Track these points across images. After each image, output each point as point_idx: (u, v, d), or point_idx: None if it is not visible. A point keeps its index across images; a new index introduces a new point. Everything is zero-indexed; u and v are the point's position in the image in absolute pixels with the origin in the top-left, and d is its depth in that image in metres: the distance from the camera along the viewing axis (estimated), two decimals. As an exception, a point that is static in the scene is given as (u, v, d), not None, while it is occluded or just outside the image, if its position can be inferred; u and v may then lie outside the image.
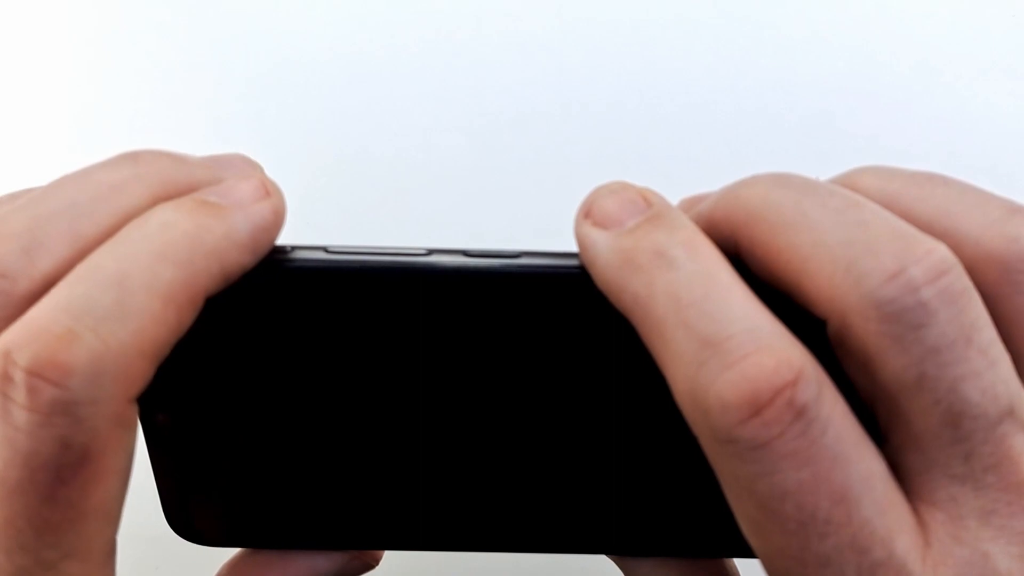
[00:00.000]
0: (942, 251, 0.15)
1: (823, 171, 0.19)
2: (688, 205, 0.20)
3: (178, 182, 0.18)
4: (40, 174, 0.19)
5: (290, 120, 0.39)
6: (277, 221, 0.18)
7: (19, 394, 0.15)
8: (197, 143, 0.39)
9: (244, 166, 0.19)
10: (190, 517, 0.22)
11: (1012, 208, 0.16)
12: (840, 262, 0.15)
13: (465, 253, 0.19)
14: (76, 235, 0.16)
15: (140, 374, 0.16)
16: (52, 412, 0.15)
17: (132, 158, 0.17)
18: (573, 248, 0.18)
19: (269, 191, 0.18)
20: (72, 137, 0.40)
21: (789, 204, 0.16)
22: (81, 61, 0.40)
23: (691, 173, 0.37)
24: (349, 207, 0.37)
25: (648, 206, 0.17)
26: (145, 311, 0.15)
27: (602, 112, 0.38)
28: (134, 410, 0.16)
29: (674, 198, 0.20)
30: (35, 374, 0.15)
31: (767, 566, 0.16)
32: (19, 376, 0.15)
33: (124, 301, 0.15)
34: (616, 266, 0.17)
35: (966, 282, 0.15)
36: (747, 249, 0.17)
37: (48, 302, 0.15)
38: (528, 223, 0.36)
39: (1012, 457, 0.15)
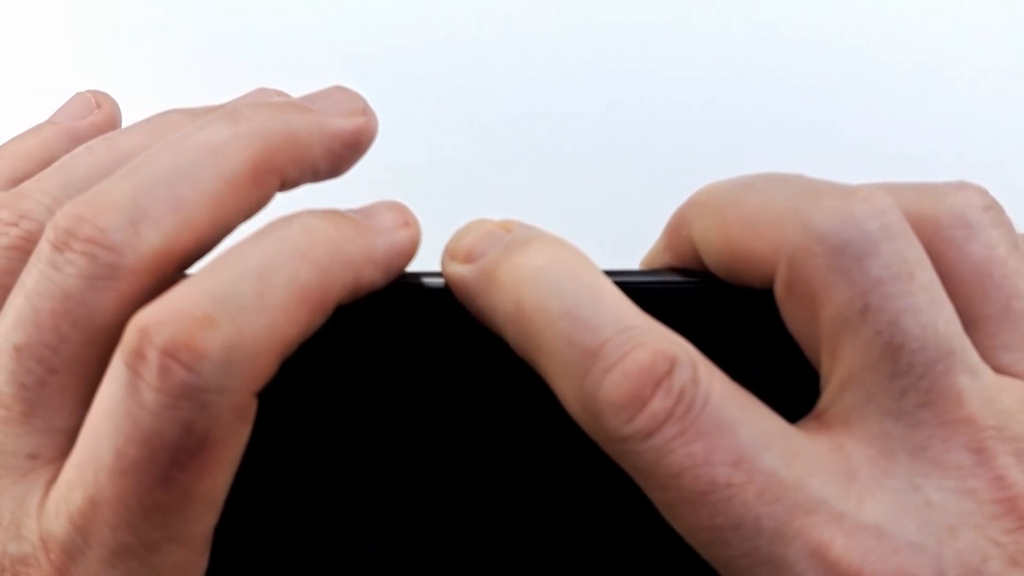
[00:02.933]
0: (883, 195, 0.16)
1: (823, 171, 0.19)
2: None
3: (278, 135, 0.17)
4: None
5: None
6: (412, 250, 0.18)
7: (150, 373, 0.15)
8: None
9: (342, 97, 0.19)
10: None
11: (930, 182, 0.17)
12: (787, 210, 0.16)
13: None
14: (179, 202, 0.16)
15: (267, 369, 0.16)
16: (180, 395, 0.15)
17: (230, 116, 0.17)
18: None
19: (409, 222, 0.18)
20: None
21: (738, 185, 0.17)
22: (82, 59, 0.40)
23: (691, 173, 0.37)
24: (348, 206, 0.37)
25: (507, 233, 0.17)
26: (281, 307, 0.15)
27: (602, 113, 0.38)
28: (255, 405, 0.16)
29: (675, 198, 0.20)
30: (169, 355, 0.14)
31: (696, 546, 0.16)
32: (153, 355, 0.15)
33: (264, 294, 0.15)
34: (482, 290, 0.17)
35: (906, 225, 0.16)
36: (703, 238, 0.17)
37: (191, 285, 0.15)
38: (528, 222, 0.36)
39: (950, 395, 0.15)
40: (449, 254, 0.18)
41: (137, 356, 0.15)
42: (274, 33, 0.39)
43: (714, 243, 0.17)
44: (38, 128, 0.21)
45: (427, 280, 0.19)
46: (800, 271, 0.16)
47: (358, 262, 0.17)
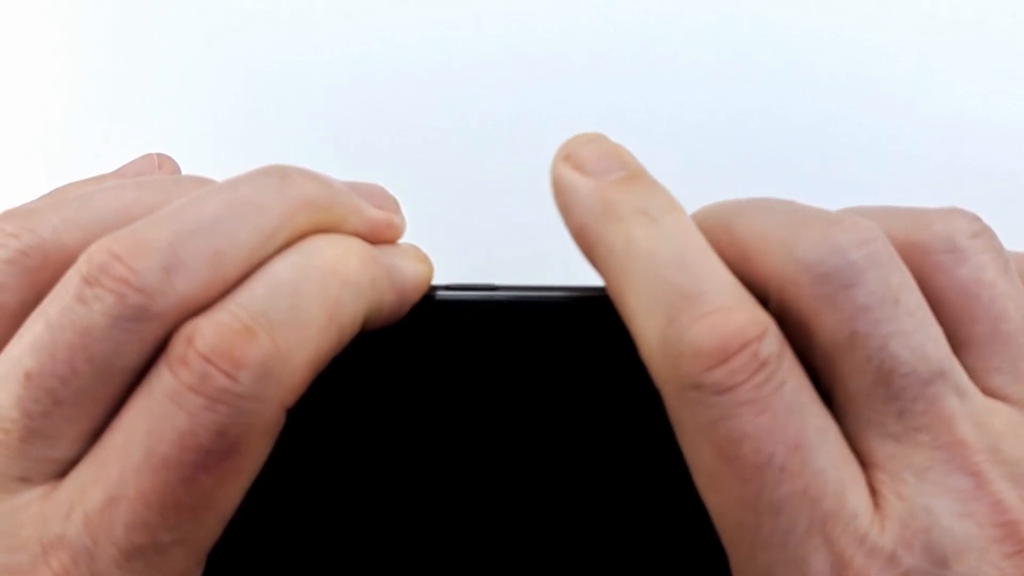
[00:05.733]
0: (868, 223, 0.16)
1: (823, 172, 0.19)
2: None
3: (322, 207, 0.18)
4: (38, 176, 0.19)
5: (290, 117, 0.39)
6: (427, 283, 0.19)
7: (191, 377, 0.15)
8: (197, 139, 0.39)
9: (382, 198, 0.20)
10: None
11: (921, 208, 0.18)
12: (774, 240, 0.16)
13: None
14: (216, 255, 0.16)
15: (300, 382, 0.16)
16: (218, 399, 0.15)
17: (280, 176, 0.17)
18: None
19: (424, 259, 0.19)
20: (71, 139, 0.40)
21: (730, 210, 0.18)
22: (83, 57, 0.40)
23: (691, 173, 0.37)
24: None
25: (624, 165, 0.18)
26: (314, 322, 0.16)
27: (602, 113, 0.38)
28: (283, 420, 0.16)
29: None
30: (210, 361, 0.15)
31: (721, 523, 0.16)
32: (196, 361, 0.15)
33: (297, 308, 0.16)
34: (596, 214, 0.17)
35: (892, 251, 0.16)
36: None
37: (231, 300, 0.16)
38: (528, 223, 0.36)
39: (944, 417, 0.16)
40: (565, 156, 0.18)
41: (181, 362, 0.15)
42: (274, 30, 0.39)
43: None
44: (99, 179, 0.21)
45: (440, 293, 0.20)
46: (789, 301, 0.16)
47: (383, 287, 0.18)
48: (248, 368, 0.15)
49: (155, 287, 0.16)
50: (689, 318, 0.15)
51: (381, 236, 0.19)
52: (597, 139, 0.19)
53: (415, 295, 0.19)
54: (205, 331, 0.15)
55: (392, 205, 0.20)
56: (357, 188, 0.19)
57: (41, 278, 0.17)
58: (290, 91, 0.39)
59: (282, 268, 0.16)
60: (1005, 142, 0.38)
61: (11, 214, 0.18)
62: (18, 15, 0.40)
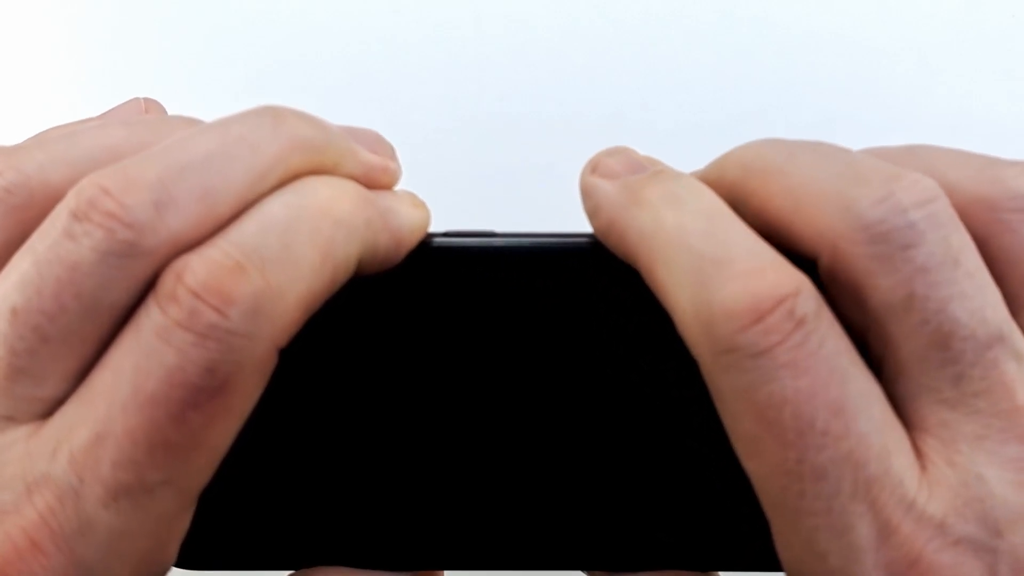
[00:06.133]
0: (929, 182, 0.16)
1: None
2: None
3: (316, 148, 0.17)
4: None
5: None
6: (423, 229, 0.19)
7: (180, 313, 0.15)
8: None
9: (378, 144, 0.20)
10: (192, 535, 0.21)
11: (992, 158, 0.17)
12: (831, 193, 0.16)
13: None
14: (207, 193, 0.16)
15: (292, 322, 0.16)
16: (207, 336, 0.15)
17: (273, 116, 0.17)
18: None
19: (420, 204, 0.19)
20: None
21: (782, 153, 0.17)
22: (83, 57, 0.40)
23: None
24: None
25: (652, 165, 0.18)
26: (306, 261, 0.16)
27: (602, 112, 0.38)
28: (275, 361, 0.16)
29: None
30: (200, 297, 0.15)
31: (763, 490, 0.16)
32: (185, 296, 0.15)
33: (289, 247, 0.16)
34: (623, 205, 0.17)
35: (952, 212, 0.16)
36: (743, 201, 0.17)
37: (222, 238, 0.16)
38: (529, 223, 0.36)
39: (1004, 383, 0.15)
40: (592, 167, 0.19)
41: (170, 298, 0.15)
42: (275, 23, 0.39)
43: (754, 210, 0.17)
44: (84, 122, 0.21)
45: (437, 240, 0.20)
46: (844, 260, 0.16)
47: (377, 226, 0.17)
48: (238, 304, 0.15)
49: (145, 223, 0.15)
50: (719, 281, 0.15)
51: (377, 181, 0.19)
52: (624, 151, 0.19)
53: (411, 239, 0.19)
54: (195, 267, 0.15)
55: (388, 151, 0.20)
56: (353, 132, 0.19)
57: (26, 216, 0.17)
58: (290, 91, 0.39)
59: (274, 207, 0.16)
60: (1005, 142, 0.38)
61: None
62: (18, 15, 0.40)
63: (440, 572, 0.22)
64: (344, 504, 0.21)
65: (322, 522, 0.21)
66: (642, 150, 0.19)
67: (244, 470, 0.20)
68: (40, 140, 0.18)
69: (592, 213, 0.18)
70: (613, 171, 0.18)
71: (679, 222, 0.16)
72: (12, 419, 0.16)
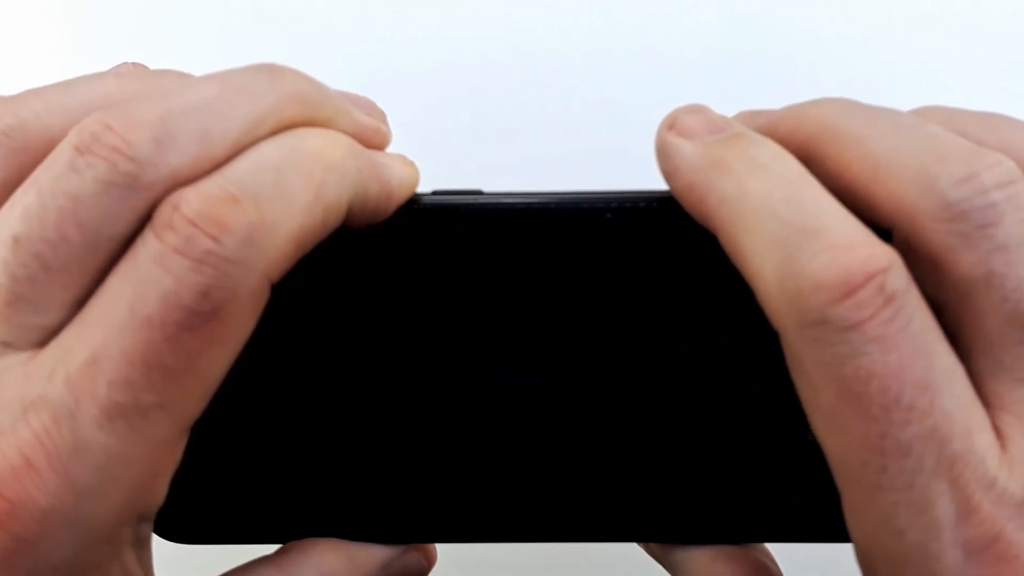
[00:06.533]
0: (1010, 164, 0.16)
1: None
2: (747, 118, 0.20)
3: (311, 102, 0.18)
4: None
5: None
6: (413, 185, 0.20)
7: (176, 240, 0.16)
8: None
9: (371, 109, 0.20)
10: (179, 508, 0.20)
11: None
12: (911, 168, 0.16)
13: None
14: (205, 134, 0.16)
15: (284, 256, 0.16)
16: (203, 261, 0.15)
17: (271, 71, 0.18)
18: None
19: (410, 164, 0.20)
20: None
21: (861, 119, 0.17)
22: (83, 56, 0.40)
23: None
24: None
25: (728, 128, 0.18)
26: (299, 198, 0.16)
27: (602, 112, 0.38)
28: (267, 295, 0.17)
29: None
30: (196, 225, 0.15)
31: (841, 464, 0.16)
32: (181, 225, 0.16)
33: (282, 184, 0.16)
34: (704, 168, 0.17)
35: None
36: (817, 162, 0.17)
37: (217, 174, 0.16)
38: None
39: None
40: (670, 124, 0.18)
41: (166, 226, 0.16)
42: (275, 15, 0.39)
43: (828, 172, 0.17)
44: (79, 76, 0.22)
45: (426, 198, 0.20)
46: (922, 234, 0.16)
47: (367, 175, 0.18)
48: (233, 233, 0.16)
49: (146, 157, 0.16)
50: (809, 252, 0.15)
51: (369, 141, 0.19)
52: (701, 109, 0.19)
53: (400, 193, 0.19)
54: (191, 199, 0.16)
55: (380, 116, 0.20)
56: (348, 96, 0.20)
57: (23, 159, 0.17)
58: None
59: (269, 148, 0.17)
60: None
61: None
62: (18, 15, 0.40)
63: (432, 546, 0.22)
64: (335, 473, 0.21)
65: (313, 493, 0.21)
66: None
67: (234, 439, 0.20)
68: (36, 90, 0.18)
69: (671, 174, 0.18)
70: (692, 130, 0.18)
71: (765, 190, 0.16)
72: (10, 345, 0.16)
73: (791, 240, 0.15)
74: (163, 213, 0.16)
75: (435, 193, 0.20)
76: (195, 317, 0.16)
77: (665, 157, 0.18)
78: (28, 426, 0.16)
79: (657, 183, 0.19)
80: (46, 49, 0.40)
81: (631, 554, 0.24)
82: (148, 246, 0.16)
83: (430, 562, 0.23)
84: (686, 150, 0.18)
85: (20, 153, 0.17)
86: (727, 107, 0.20)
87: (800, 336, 0.15)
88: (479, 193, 0.20)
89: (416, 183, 0.20)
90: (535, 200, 0.20)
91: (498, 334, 0.20)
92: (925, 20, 0.37)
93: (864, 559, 0.16)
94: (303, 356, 0.20)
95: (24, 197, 0.16)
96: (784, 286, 0.15)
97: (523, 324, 0.20)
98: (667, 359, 0.20)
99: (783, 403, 0.19)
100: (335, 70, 0.38)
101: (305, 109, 0.18)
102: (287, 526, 0.21)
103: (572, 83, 0.38)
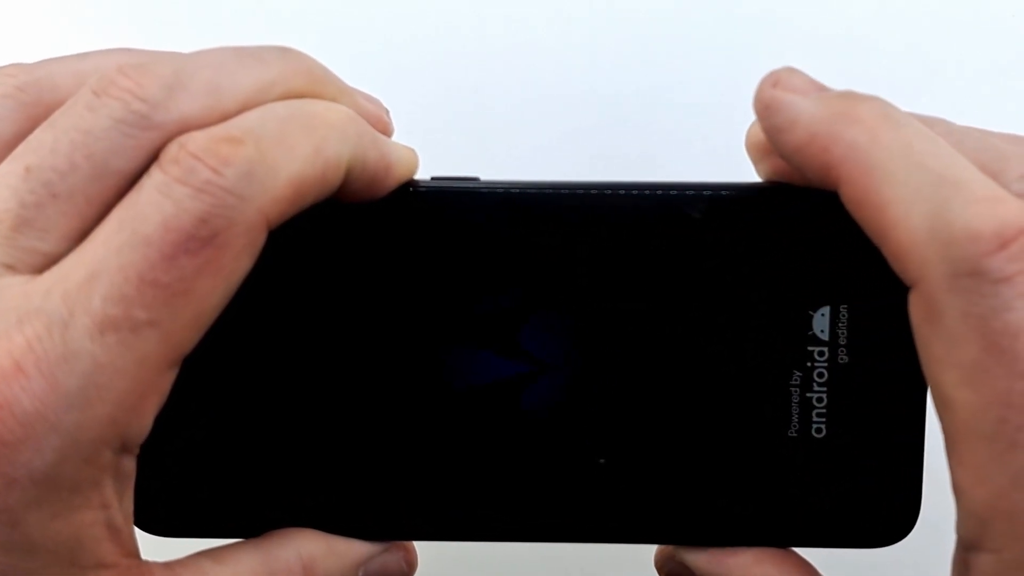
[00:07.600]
0: None
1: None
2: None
3: (319, 80, 0.19)
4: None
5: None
6: (412, 166, 0.20)
7: (179, 172, 0.16)
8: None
9: (372, 97, 0.21)
10: (161, 500, 0.20)
11: None
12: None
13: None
14: (216, 87, 0.18)
15: (283, 199, 0.17)
16: (202, 190, 0.16)
17: (284, 48, 0.19)
18: None
19: (409, 148, 0.21)
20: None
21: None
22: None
23: (691, 173, 0.37)
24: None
25: (825, 88, 0.18)
26: (300, 148, 0.17)
27: (602, 112, 0.38)
28: (263, 237, 0.17)
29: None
30: (197, 157, 0.16)
31: (973, 421, 0.16)
32: (184, 158, 0.16)
33: (284, 132, 0.17)
34: (827, 119, 0.17)
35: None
36: (840, 180, 0.17)
37: (224, 122, 0.17)
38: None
39: None
40: (774, 83, 0.19)
41: (171, 161, 0.16)
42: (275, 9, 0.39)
43: (847, 197, 0.17)
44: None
45: (423, 183, 0.20)
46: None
47: (367, 141, 0.19)
48: (233, 166, 0.16)
49: (158, 100, 0.17)
50: (962, 202, 0.15)
51: (371, 124, 0.20)
52: (800, 72, 0.19)
53: (399, 170, 0.20)
54: (197, 136, 0.17)
55: (383, 109, 0.21)
56: (354, 89, 0.21)
57: (36, 112, 0.18)
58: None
59: (274, 104, 0.18)
60: (1005, 142, 0.38)
61: (6, 64, 0.19)
62: (18, 15, 0.40)
63: (413, 548, 0.22)
64: (317, 466, 0.21)
65: (295, 487, 0.21)
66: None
67: (216, 431, 0.20)
68: (52, 58, 0.20)
69: (785, 128, 0.18)
70: (802, 87, 0.18)
71: (905, 139, 0.16)
72: (12, 268, 0.17)
73: (941, 190, 0.15)
74: (169, 150, 0.17)
75: (433, 179, 0.21)
76: (192, 241, 0.16)
77: (775, 112, 0.18)
78: (21, 333, 0.16)
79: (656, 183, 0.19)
80: (46, 49, 0.40)
81: (627, 555, 0.24)
82: (152, 177, 0.17)
83: (411, 565, 0.23)
84: (803, 104, 0.18)
85: (32, 107, 0.18)
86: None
87: (949, 286, 0.15)
88: (476, 180, 0.20)
89: (415, 166, 0.21)
90: (531, 188, 0.20)
91: (490, 323, 0.20)
92: (925, 20, 0.37)
93: (978, 519, 0.16)
94: (289, 343, 0.21)
95: (40, 134, 0.17)
96: (936, 235, 0.15)
97: (514, 313, 0.20)
98: (659, 349, 0.20)
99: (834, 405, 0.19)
100: (335, 71, 0.38)
101: (312, 84, 0.19)
102: (269, 520, 0.21)
103: (571, 83, 0.38)
